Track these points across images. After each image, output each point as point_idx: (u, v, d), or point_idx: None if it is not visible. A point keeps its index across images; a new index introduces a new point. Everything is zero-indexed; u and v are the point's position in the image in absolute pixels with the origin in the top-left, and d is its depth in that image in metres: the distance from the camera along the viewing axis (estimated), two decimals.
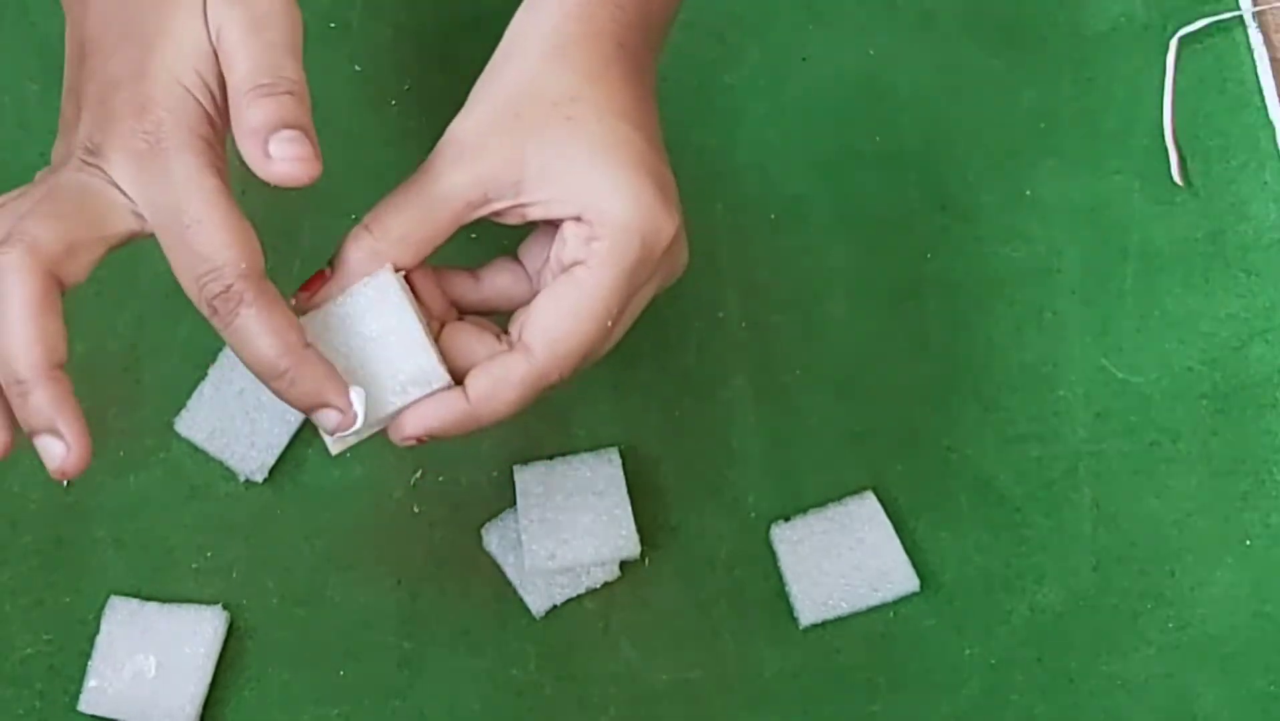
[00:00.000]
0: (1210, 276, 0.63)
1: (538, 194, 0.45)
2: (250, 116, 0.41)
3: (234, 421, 0.59)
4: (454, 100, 0.66)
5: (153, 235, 0.42)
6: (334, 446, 0.46)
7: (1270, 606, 0.59)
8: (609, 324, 0.45)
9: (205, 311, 0.41)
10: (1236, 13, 0.67)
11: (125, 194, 0.41)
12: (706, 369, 0.62)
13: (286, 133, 0.41)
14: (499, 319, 0.48)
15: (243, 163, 0.42)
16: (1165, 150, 0.65)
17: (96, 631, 0.57)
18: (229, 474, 0.60)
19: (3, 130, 0.65)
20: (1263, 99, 0.65)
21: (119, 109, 0.41)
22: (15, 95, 0.65)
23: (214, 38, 0.42)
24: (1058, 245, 0.64)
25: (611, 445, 0.59)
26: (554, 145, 0.44)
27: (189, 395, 0.61)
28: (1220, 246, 0.64)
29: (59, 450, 0.41)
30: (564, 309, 0.44)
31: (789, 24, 0.67)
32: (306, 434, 0.61)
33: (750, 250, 0.64)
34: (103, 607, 0.58)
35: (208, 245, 0.41)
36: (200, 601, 0.58)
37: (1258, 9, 0.67)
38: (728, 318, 0.62)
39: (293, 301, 0.45)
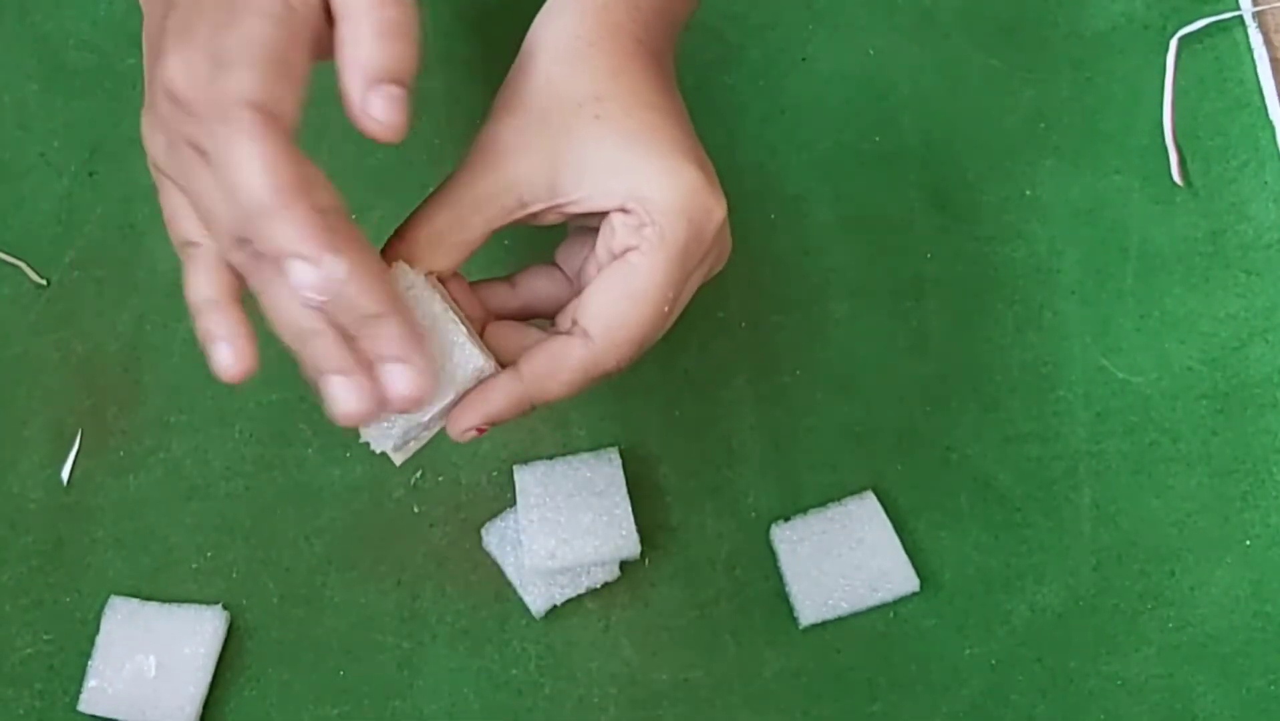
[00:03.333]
0: (1210, 276, 0.63)
1: (575, 192, 0.44)
2: (368, 54, 0.40)
3: None
4: (454, 100, 0.66)
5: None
6: (398, 458, 0.45)
7: (1270, 606, 0.59)
8: (665, 309, 0.44)
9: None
10: (1236, 13, 0.67)
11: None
12: (706, 369, 0.62)
13: (394, 90, 0.41)
14: (539, 322, 0.48)
15: None
16: (1165, 150, 0.65)
17: (96, 631, 0.57)
18: (229, 473, 0.60)
19: (3, 130, 0.65)
20: (1263, 99, 0.65)
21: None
22: (15, 95, 0.65)
23: None
24: (1057, 245, 0.64)
25: (611, 445, 0.59)
26: (586, 143, 0.44)
27: (189, 395, 0.61)
28: (1220, 246, 0.64)
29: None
30: (621, 293, 0.44)
31: (789, 24, 0.67)
32: (305, 433, 0.61)
33: (750, 250, 0.63)
34: (103, 607, 0.58)
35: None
36: (200, 601, 0.58)
37: (1258, 9, 0.67)
38: (728, 318, 0.62)
39: None
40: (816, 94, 0.66)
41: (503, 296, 0.48)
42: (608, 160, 0.44)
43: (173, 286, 0.63)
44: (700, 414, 0.61)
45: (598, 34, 0.46)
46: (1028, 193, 0.65)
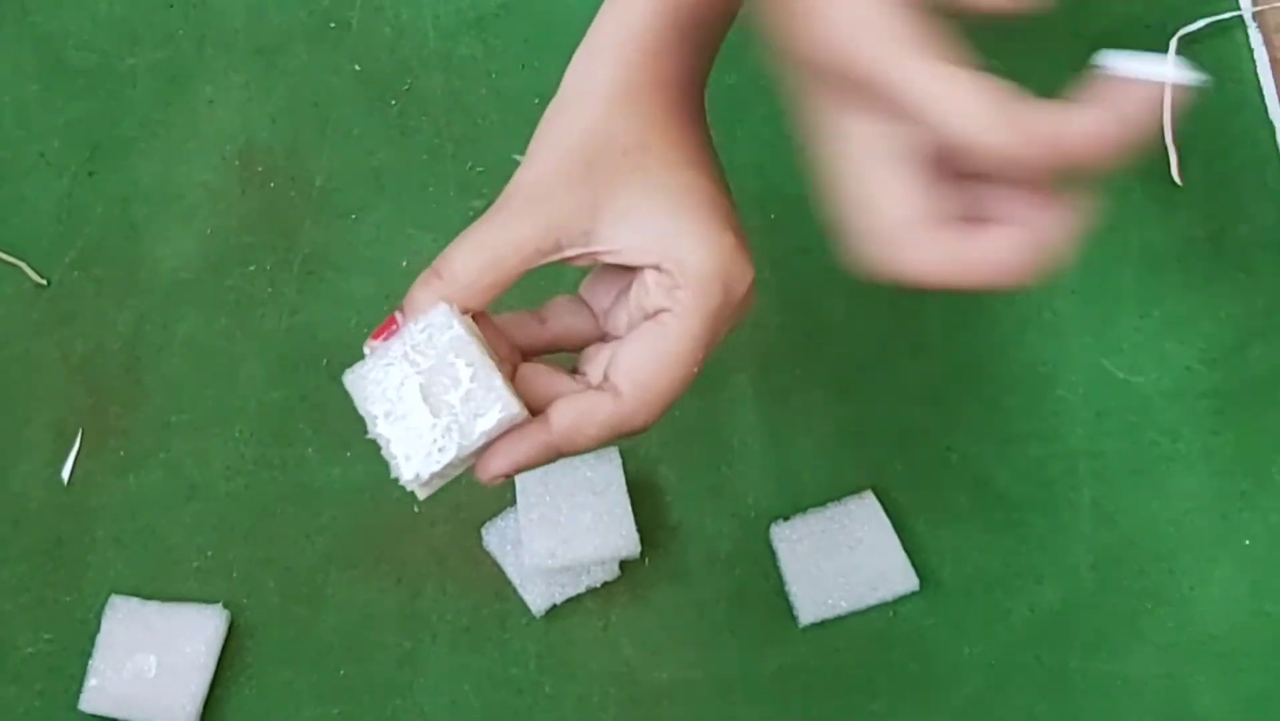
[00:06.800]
0: (1210, 276, 0.63)
1: (612, 243, 0.45)
2: None
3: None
4: (454, 100, 0.66)
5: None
6: (422, 492, 0.45)
7: (1269, 606, 0.59)
8: (695, 369, 0.45)
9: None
10: (1236, 13, 0.66)
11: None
12: (707, 369, 0.62)
13: None
14: (566, 359, 0.48)
15: None
16: (1165, 150, 0.65)
17: (97, 630, 0.57)
18: (229, 473, 0.60)
19: (3, 130, 0.65)
20: (1263, 99, 0.65)
21: None
22: (15, 95, 0.65)
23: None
24: None
25: (611, 445, 0.59)
26: (627, 194, 0.45)
27: (189, 395, 0.61)
28: (1220, 246, 0.64)
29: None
30: (654, 355, 0.44)
31: None
32: (306, 433, 0.61)
33: (751, 250, 0.63)
34: (103, 607, 0.58)
35: None
36: (201, 600, 0.58)
37: (1258, 9, 0.67)
38: None
39: (366, 349, 0.45)
40: None
41: (532, 331, 0.48)
42: (647, 217, 0.44)
43: (173, 286, 0.63)
44: (700, 414, 0.61)
45: (645, 81, 0.46)
46: None
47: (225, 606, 0.58)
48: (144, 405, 0.61)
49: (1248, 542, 0.60)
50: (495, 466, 0.45)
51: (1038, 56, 0.67)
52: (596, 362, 0.46)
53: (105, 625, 0.57)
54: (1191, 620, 0.59)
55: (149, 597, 0.58)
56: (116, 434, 0.61)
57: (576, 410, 0.45)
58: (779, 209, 0.64)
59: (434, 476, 0.44)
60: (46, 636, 0.58)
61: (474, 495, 0.60)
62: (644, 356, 0.44)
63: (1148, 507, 0.60)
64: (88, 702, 0.56)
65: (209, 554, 0.59)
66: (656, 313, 0.45)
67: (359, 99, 0.65)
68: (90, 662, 0.57)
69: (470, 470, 0.46)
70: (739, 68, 0.67)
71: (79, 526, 0.60)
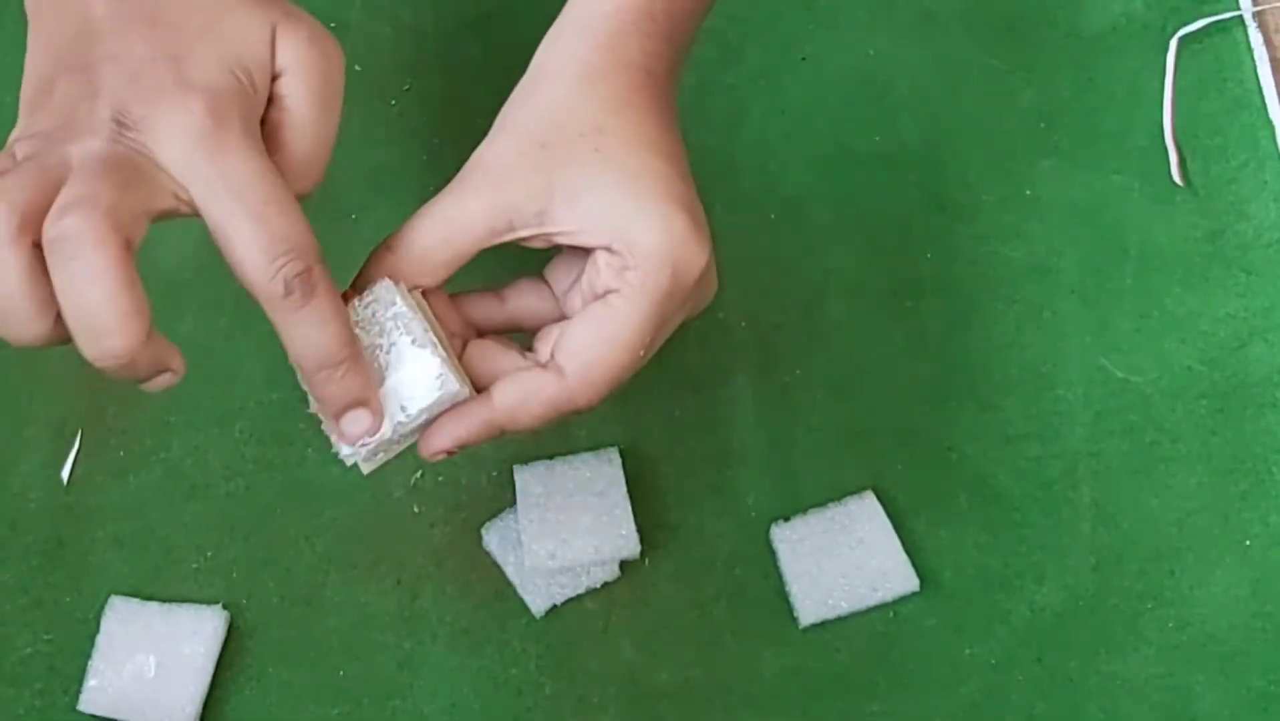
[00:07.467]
0: (1209, 276, 0.63)
1: (564, 224, 0.45)
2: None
3: None
4: (454, 100, 0.66)
5: (188, 216, 0.41)
6: (365, 468, 0.46)
7: (1270, 606, 0.59)
8: (640, 352, 0.45)
9: (276, 291, 0.40)
10: (1236, 13, 0.67)
11: (164, 170, 0.40)
12: (706, 369, 0.62)
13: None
14: (521, 337, 0.48)
15: None
16: (1165, 150, 0.65)
17: (96, 631, 0.57)
18: (229, 473, 0.60)
19: (3, 130, 0.65)
20: (1262, 99, 0.65)
21: (164, 85, 0.40)
22: (15, 95, 0.65)
23: (276, 65, 0.43)
24: (1057, 245, 0.64)
25: (611, 445, 0.59)
26: (582, 176, 0.45)
27: (189, 395, 0.61)
28: (1220, 246, 0.64)
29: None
30: (599, 336, 0.44)
31: (789, 24, 0.67)
32: (306, 433, 0.61)
33: (750, 250, 0.64)
34: (103, 607, 0.58)
35: (289, 225, 0.40)
36: (200, 601, 0.58)
37: (1258, 9, 0.67)
38: (728, 317, 0.62)
39: None
40: (816, 94, 0.66)
41: (490, 309, 0.48)
42: (600, 198, 0.44)
43: (172, 286, 0.63)
44: (700, 414, 0.61)
45: (606, 64, 0.46)
46: (1027, 192, 0.65)
47: (225, 606, 0.58)
48: (144, 405, 0.61)
49: (1248, 543, 0.60)
50: (437, 443, 0.45)
51: (1038, 56, 0.67)
52: (547, 341, 0.46)
53: (105, 625, 0.57)
54: (1192, 620, 0.59)
55: (149, 598, 0.58)
56: (116, 434, 0.61)
57: (520, 389, 0.45)
58: (779, 209, 0.64)
59: (373, 453, 0.45)
60: (46, 636, 0.58)
61: (474, 495, 0.60)
62: (589, 337, 0.45)
63: (1148, 508, 0.60)
64: (87, 703, 0.56)
65: (209, 554, 0.59)
66: (605, 293, 0.45)
67: (359, 99, 0.65)
68: (90, 663, 0.57)
69: (414, 446, 0.46)
70: (739, 68, 0.67)
71: (79, 526, 0.60)
